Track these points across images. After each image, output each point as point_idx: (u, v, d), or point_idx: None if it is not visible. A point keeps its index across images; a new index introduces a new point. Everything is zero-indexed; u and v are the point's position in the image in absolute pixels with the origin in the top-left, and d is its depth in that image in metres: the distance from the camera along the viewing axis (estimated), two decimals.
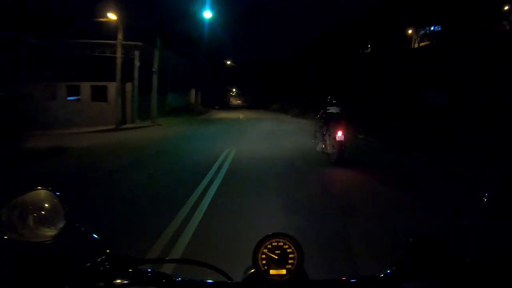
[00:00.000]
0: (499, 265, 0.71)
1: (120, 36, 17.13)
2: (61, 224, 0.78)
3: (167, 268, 0.92)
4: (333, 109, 8.58)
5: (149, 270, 0.77)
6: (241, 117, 28.89)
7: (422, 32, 35.70)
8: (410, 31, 35.96)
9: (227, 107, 53.10)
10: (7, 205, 0.77)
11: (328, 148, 8.36)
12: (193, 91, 36.26)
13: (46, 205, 0.80)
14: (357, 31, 36.10)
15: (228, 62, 42.19)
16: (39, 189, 0.81)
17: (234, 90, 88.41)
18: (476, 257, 0.73)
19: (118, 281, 0.74)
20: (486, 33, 21.33)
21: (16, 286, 0.70)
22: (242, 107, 52.69)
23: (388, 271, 0.76)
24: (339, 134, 7.68)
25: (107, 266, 0.75)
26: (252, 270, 0.78)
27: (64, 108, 18.38)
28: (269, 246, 0.78)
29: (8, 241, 0.74)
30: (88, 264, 0.74)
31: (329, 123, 8.36)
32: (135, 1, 18.98)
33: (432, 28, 34.39)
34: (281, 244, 0.78)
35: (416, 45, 35.02)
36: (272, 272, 0.76)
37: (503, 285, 0.70)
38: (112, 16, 16.85)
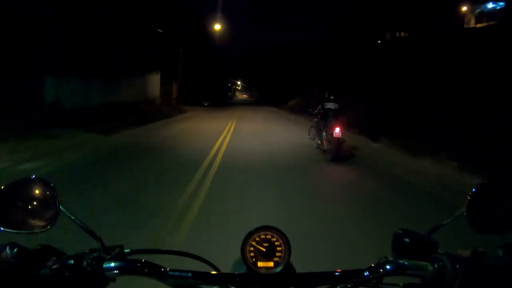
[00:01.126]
0: (482, 261, 0.77)
1: None
2: (52, 214, 0.82)
3: (157, 259, 0.84)
4: (331, 105, 8.97)
5: (139, 260, 0.82)
6: (224, 138, 11.79)
7: (478, 10, 27.77)
8: (464, 8, 28.06)
9: (227, 103, 46.11)
10: None
11: (325, 144, 8.99)
12: (154, 78, 23.30)
13: (38, 194, 0.83)
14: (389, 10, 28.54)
15: (218, 27, 33.55)
16: (32, 178, 0.85)
17: (239, 83, 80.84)
18: (459, 255, 0.79)
19: (108, 270, 0.78)
20: None
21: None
22: (247, 103, 45.73)
23: (373, 265, 0.82)
24: (337, 130, 8.21)
25: (97, 255, 0.80)
26: (240, 262, 0.85)
27: None
28: (257, 239, 0.84)
29: None
30: (77, 253, 0.79)
31: (327, 119, 8.92)
32: None
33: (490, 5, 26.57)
34: (269, 237, 0.85)
35: (472, 26, 27.15)
36: (260, 264, 0.82)
37: (486, 281, 0.75)
38: None
